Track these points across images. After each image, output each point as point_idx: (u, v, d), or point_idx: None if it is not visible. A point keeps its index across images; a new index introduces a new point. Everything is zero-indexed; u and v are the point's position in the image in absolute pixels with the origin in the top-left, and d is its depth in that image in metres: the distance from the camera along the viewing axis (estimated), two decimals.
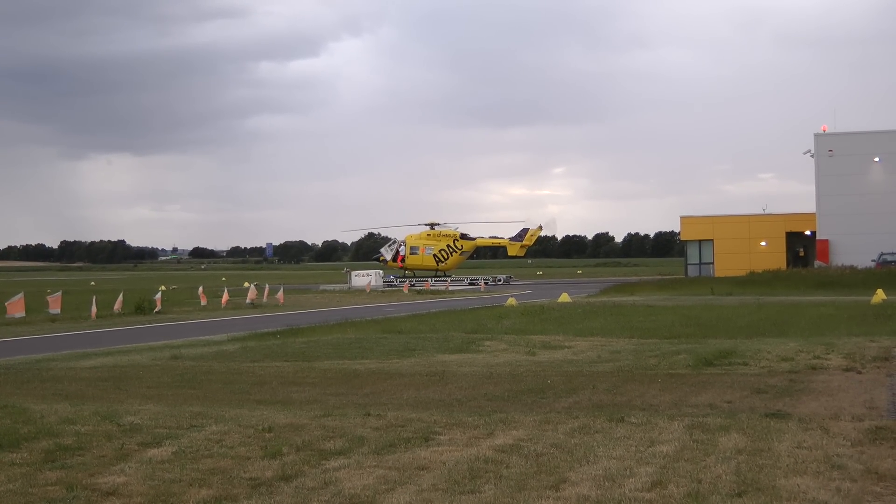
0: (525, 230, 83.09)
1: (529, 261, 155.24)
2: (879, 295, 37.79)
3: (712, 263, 73.84)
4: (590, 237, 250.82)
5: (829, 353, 18.81)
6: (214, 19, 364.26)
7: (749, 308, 34.83)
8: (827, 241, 67.20)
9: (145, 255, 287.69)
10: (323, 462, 9.39)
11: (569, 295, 45.85)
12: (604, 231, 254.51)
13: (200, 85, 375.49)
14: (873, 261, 63.04)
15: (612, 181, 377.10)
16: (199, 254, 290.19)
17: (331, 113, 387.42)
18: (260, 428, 11.12)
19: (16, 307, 37.77)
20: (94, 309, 39.94)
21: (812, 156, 68.90)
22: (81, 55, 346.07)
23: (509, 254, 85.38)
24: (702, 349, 20.08)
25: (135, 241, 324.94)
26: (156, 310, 43.11)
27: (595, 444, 10.03)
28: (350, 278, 77.46)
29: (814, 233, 69.31)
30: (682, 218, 78.48)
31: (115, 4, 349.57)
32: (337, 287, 74.95)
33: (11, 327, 34.81)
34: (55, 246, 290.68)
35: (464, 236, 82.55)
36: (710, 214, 79.02)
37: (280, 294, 53.52)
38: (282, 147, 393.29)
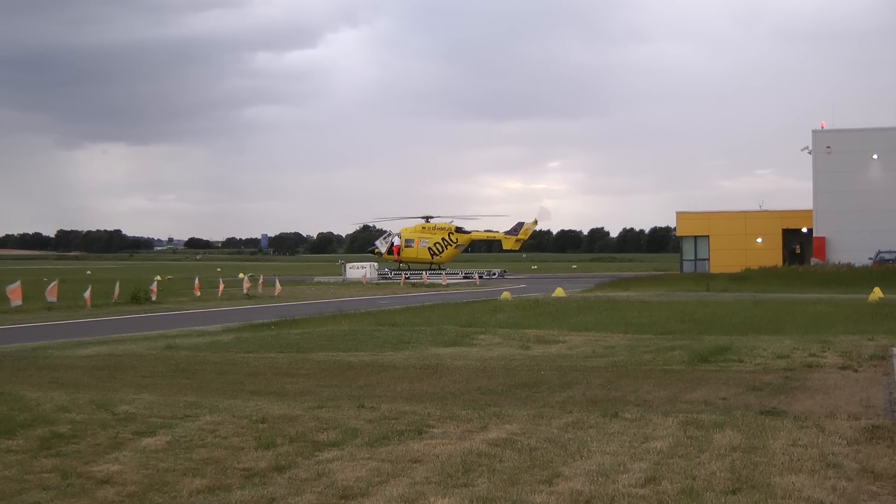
0: (520, 224, 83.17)
1: (524, 255, 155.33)
2: (876, 293, 37.82)
3: (708, 260, 73.89)
4: (585, 232, 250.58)
5: (825, 351, 18.78)
6: (211, 9, 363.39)
7: (745, 305, 34.84)
8: (824, 238, 67.30)
9: (141, 245, 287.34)
10: (316, 453, 9.39)
11: (563, 289, 45.87)
12: (599, 226, 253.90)
13: (197, 75, 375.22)
14: (870, 258, 63.09)
15: (607, 176, 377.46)
16: (194, 244, 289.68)
17: (327, 104, 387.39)
18: (254, 419, 11.12)
19: (13, 295, 37.61)
20: (87, 296, 39.73)
21: (810, 152, 68.93)
22: (78, 44, 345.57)
23: (504, 248, 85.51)
24: (697, 345, 20.06)
25: (131, 230, 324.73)
26: (152, 298, 42.97)
27: (589, 439, 10.01)
28: (345, 270, 77.38)
29: (810, 230, 69.36)
30: (677, 214, 78.55)
31: None
32: (332, 279, 74.86)
33: (8, 315, 34.69)
34: (52, 235, 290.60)
35: (459, 230, 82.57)
36: (706, 210, 79.09)
37: (276, 286, 53.42)
38: (278, 138, 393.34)
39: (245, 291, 51.17)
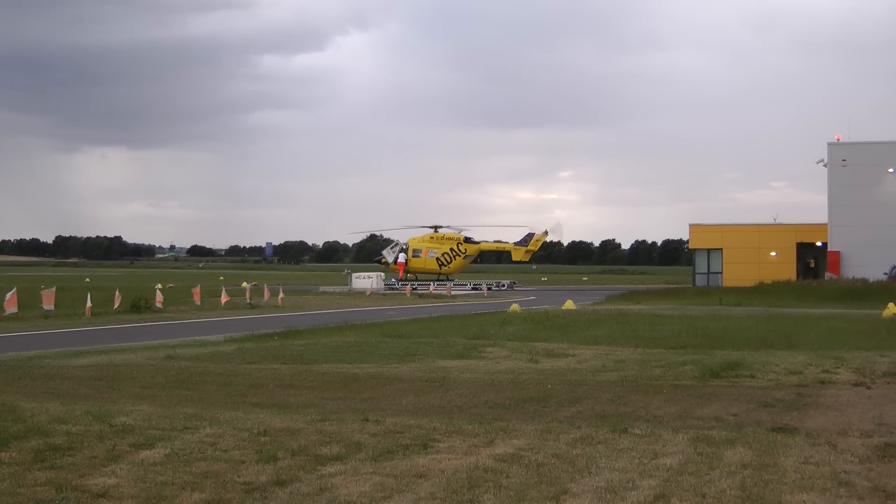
0: (530, 235, 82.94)
1: (534, 266, 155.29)
2: (891, 309, 37.37)
3: (721, 273, 73.59)
4: (596, 244, 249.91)
5: (838, 368, 18.62)
6: (216, 10, 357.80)
7: (757, 319, 34.61)
8: (838, 252, 66.85)
9: (142, 253, 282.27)
10: (319, 468, 9.28)
11: (574, 302, 45.68)
12: (610, 238, 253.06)
13: (201, 77, 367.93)
14: (885, 273, 62.69)
15: (620, 187, 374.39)
16: (197, 252, 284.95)
17: (334, 110, 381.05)
18: (255, 431, 10.97)
19: (9, 302, 37.41)
20: (88, 305, 39.55)
21: (825, 165, 68.58)
22: (77, 44, 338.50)
23: (514, 259, 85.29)
24: (708, 360, 19.91)
25: (131, 237, 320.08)
26: (156, 306, 42.76)
27: (597, 455, 9.91)
28: (351, 280, 77.18)
29: (825, 244, 68.97)
30: (690, 226, 78.37)
31: None
32: (337, 289, 74.71)
33: (3, 323, 34.48)
34: (50, 241, 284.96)
35: (467, 240, 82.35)
36: (719, 223, 78.78)
37: (280, 295, 53.30)
38: (283, 144, 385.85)
39: (248, 301, 50.91)
